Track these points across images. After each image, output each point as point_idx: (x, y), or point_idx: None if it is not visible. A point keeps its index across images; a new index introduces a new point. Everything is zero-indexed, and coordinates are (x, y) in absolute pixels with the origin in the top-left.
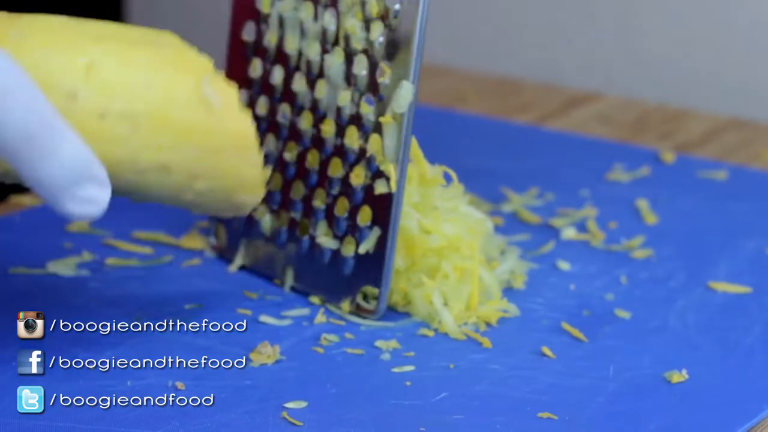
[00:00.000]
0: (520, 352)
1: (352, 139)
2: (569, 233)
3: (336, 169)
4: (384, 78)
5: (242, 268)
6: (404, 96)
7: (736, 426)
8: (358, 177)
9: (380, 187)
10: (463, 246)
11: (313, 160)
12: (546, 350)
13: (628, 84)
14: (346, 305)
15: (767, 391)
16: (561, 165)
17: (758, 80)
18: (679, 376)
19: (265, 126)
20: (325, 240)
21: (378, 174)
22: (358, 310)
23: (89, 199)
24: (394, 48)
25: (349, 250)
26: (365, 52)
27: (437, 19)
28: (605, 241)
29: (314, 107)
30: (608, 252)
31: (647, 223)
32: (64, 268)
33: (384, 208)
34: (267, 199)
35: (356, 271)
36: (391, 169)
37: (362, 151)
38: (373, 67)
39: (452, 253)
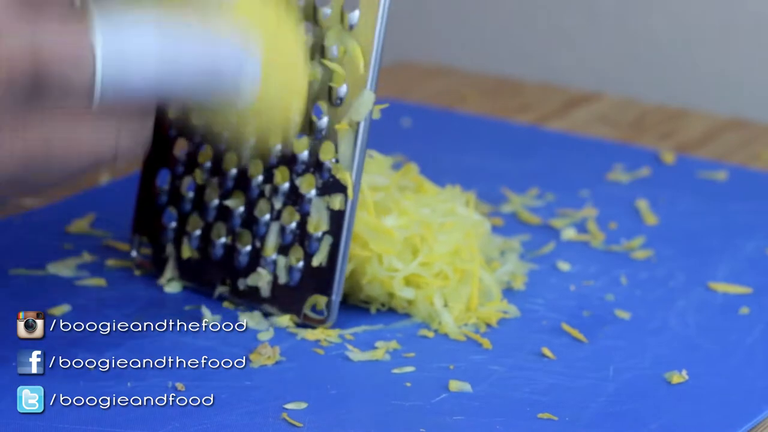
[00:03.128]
0: (520, 353)
1: (302, 146)
2: (569, 234)
3: (283, 177)
4: (339, 84)
5: (172, 281)
6: (364, 104)
7: (736, 426)
8: (309, 185)
9: (335, 196)
10: (463, 250)
11: (255, 169)
12: (546, 351)
13: (628, 84)
14: (293, 317)
15: (767, 391)
16: (561, 165)
17: (758, 80)
18: (679, 377)
19: (200, 137)
20: (271, 250)
21: (331, 182)
22: (306, 320)
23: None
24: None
25: (296, 259)
26: (320, 58)
27: (437, 19)
28: (605, 241)
29: None
30: (608, 252)
31: (647, 223)
32: (64, 269)
33: (337, 217)
34: (201, 212)
35: (303, 281)
36: (347, 177)
37: (312, 159)
38: (327, 73)
39: (452, 257)
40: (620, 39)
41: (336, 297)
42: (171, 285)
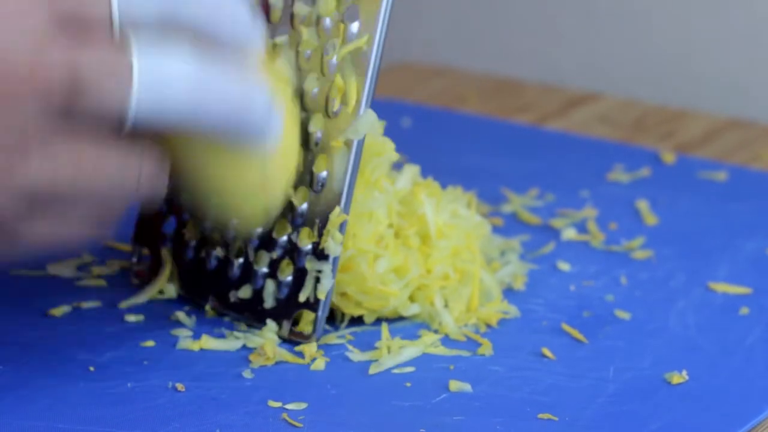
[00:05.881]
0: (520, 353)
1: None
2: (569, 234)
3: None
4: (335, 96)
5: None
6: (364, 124)
7: (736, 426)
8: (302, 198)
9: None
10: (464, 251)
11: None
12: (546, 351)
13: (628, 84)
14: (282, 330)
15: (767, 391)
16: (561, 165)
17: (758, 80)
18: (679, 377)
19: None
20: (262, 263)
21: (322, 197)
22: (290, 336)
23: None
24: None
25: (286, 273)
26: (319, 69)
27: (437, 19)
28: (605, 241)
29: None
30: (608, 253)
31: (647, 223)
32: (64, 269)
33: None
34: (198, 223)
35: (291, 295)
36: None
37: (306, 172)
38: (325, 85)
39: (453, 258)
40: (620, 39)
41: (322, 314)
42: (168, 290)
